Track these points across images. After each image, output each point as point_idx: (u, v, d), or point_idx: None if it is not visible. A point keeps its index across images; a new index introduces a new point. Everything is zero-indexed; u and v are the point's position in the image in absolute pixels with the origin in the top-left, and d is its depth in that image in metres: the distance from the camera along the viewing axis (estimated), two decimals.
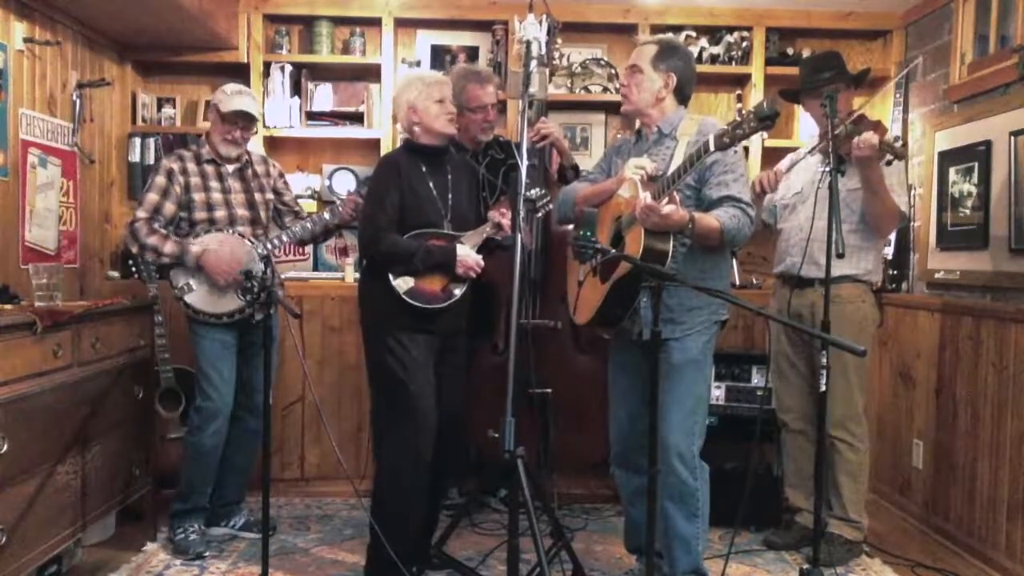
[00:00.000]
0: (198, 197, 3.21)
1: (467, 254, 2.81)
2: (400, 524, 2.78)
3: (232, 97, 3.23)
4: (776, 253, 3.42)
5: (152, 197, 3.17)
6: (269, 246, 3.25)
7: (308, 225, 3.30)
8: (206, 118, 3.33)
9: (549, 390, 3.31)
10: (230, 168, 3.29)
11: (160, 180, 3.19)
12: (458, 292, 2.84)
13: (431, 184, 2.87)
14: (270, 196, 3.39)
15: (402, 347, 2.78)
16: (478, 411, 3.22)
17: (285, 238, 3.30)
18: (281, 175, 3.50)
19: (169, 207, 3.19)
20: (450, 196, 2.90)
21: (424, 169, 2.87)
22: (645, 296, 2.59)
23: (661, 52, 2.69)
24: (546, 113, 3.54)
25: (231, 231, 3.22)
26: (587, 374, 3.44)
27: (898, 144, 2.79)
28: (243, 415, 3.33)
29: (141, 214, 3.16)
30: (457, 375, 2.96)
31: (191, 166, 3.24)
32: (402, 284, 2.77)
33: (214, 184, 3.25)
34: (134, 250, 3.18)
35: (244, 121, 3.25)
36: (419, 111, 2.84)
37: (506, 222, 2.89)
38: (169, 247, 3.13)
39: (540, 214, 2.99)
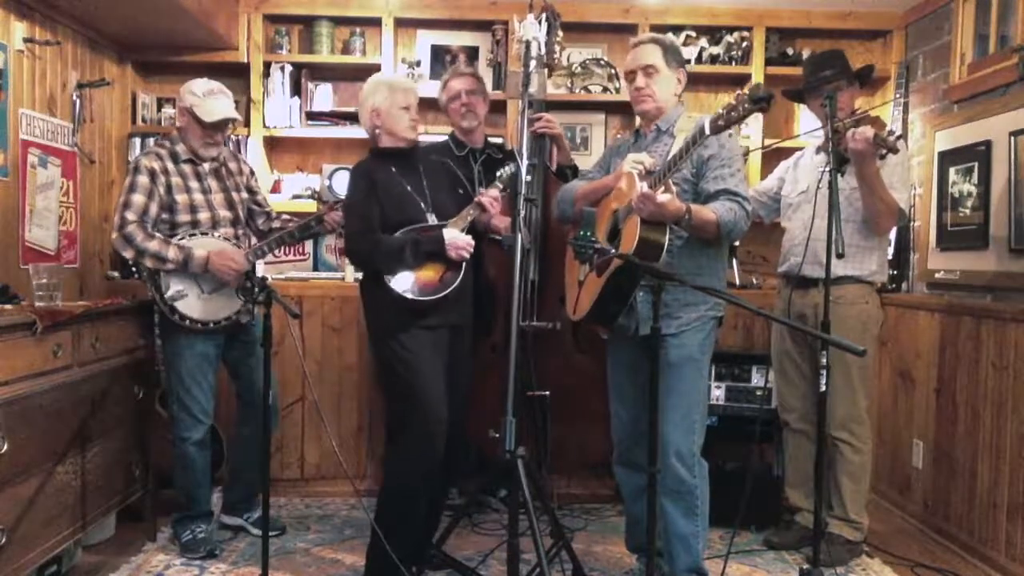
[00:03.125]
0: (181, 199, 3.11)
1: (455, 236, 2.81)
2: (404, 525, 2.78)
3: (208, 101, 3.11)
4: (781, 252, 3.42)
5: (139, 198, 3.04)
6: (260, 253, 3.22)
7: (297, 233, 3.27)
8: (179, 119, 3.19)
9: (547, 392, 3.30)
10: (207, 167, 3.22)
11: (144, 180, 3.06)
12: (456, 278, 2.83)
13: (405, 183, 2.88)
14: (244, 195, 3.34)
15: (405, 348, 2.77)
16: (476, 411, 3.22)
17: (267, 249, 3.26)
18: (252, 173, 3.43)
19: (154, 208, 3.07)
20: (427, 189, 2.91)
21: (395, 170, 2.88)
22: (642, 292, 2.60)
23: (667, 51, 2.72)
24: (545, 110, 3.55)
25: (215, 234, 3.16)
26: (585, 375, 3.43)
27: (892, 138, 2.79)
28: (247, 415, 3.33)
29: (131, 216, 3.02)
30: (463, 368, 2.95)
31: (170, 165, 3.13)
32: (399, 284, 2.77)
33: (194, 184, 3.16)
34: (128, 255, 3.04)
35: (226, 126, 3.20)
36: (382, 114, 2.85)
37: (485, 200, 2.89)
38: (172, 252, 3.02)
39: (529, 176, 2.96)
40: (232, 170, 3.32)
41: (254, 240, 3.39)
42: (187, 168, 3.17)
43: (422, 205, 2.87)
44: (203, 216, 3.16)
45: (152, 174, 3.08)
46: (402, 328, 2.79)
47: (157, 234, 3.06)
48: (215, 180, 3.23)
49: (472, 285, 2.96)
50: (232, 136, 4.09)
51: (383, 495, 2.88)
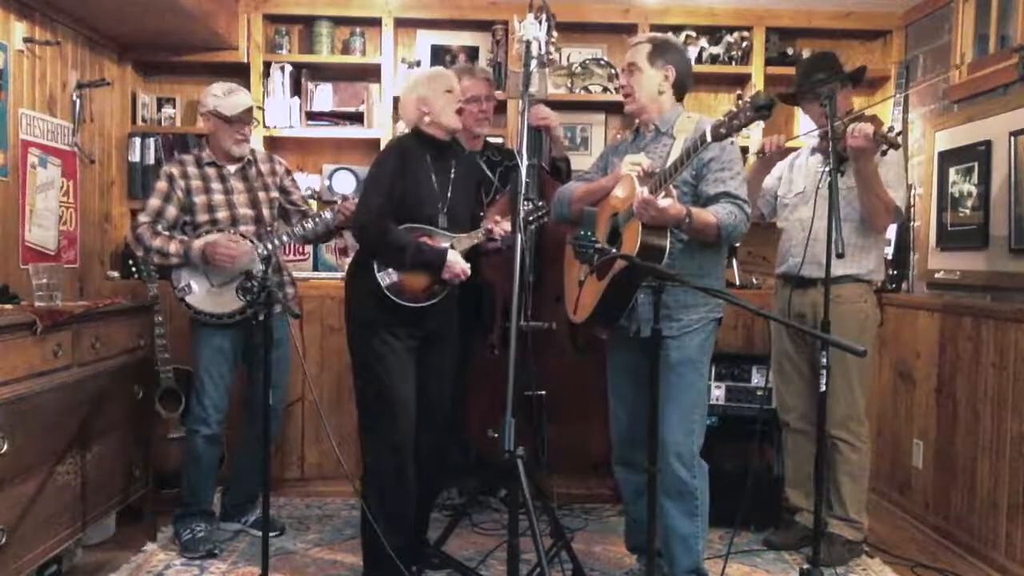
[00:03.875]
0: (199, 200, 3.21)
1: (456, 261, 2.81)
2: (387, 519, 2.78)
3: (229, 98, 3.22)
4: (778, 253, 3.42)
5: (154, 202, 3.19)
6: (270, 246, 3.24)
7: (309, 225, 3.30)
8: (206, 125, 3.29)
9: (543, 392, 3.30)
10: (232, 168, 3.29)
11: (161, 185, 3.21)
12: (440, 292, 2.85)
13: (433, 176, 2.87)
14: (275, 195, 3.38)
15: (382, 341, 2.79)
16: (475, 412, 3.22)
17: (285, 238, 3.30)
18: (288, 173, 3.48)
19: (171, 211, 3.20)
20: (449, 190, 2.90)
21: (429, 160, 2.88)
22: (642, 294, 2.60)
23: (656, 48, 2.71)
24: None
25: (233, 231, 3.21)
26: (582, 374, 3.43)
27: (892, 134, 2.80)
28: (253, 416, 3.33)
29: (144, 218, 3.17)
30: (443, 371, 2.96)
31: (192, 169, 3.24)
32: (385, 277, 2.77)
33: (215, 186, 3.25)
34: (139, 254, 3.20)
35: (249, 117, 3.27)
36: (429, 102, 2.84)
37: (497, 229, 2.91)
38: (174, 246, 3.13)
39: (533, 226, 3.00)
40: (263, 171, 3.37)
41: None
42: (210, 171, 3.26)
43: (439, 204, 2.87)
44: (222, 215, 3.23)
45: (171, 179, 3.21)
46: (381, 322, 2.80)
47: (164, 232, 3.17)
48: (240, 181, 3.30)
49: (456, 297, 2.95)
50: None
51: (364, 490, 2.88)
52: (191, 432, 3.25)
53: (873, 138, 2.83)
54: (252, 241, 3.23)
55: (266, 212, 3.32)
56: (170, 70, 4.27)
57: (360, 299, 2.87)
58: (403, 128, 3.02)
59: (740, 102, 2.29)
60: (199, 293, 3.18)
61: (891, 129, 2.86)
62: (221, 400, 3.25)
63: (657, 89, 2.71)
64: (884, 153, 2.89)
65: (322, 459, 4.04)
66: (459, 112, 2.89)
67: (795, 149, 3.58)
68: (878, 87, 4.32)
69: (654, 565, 2.35)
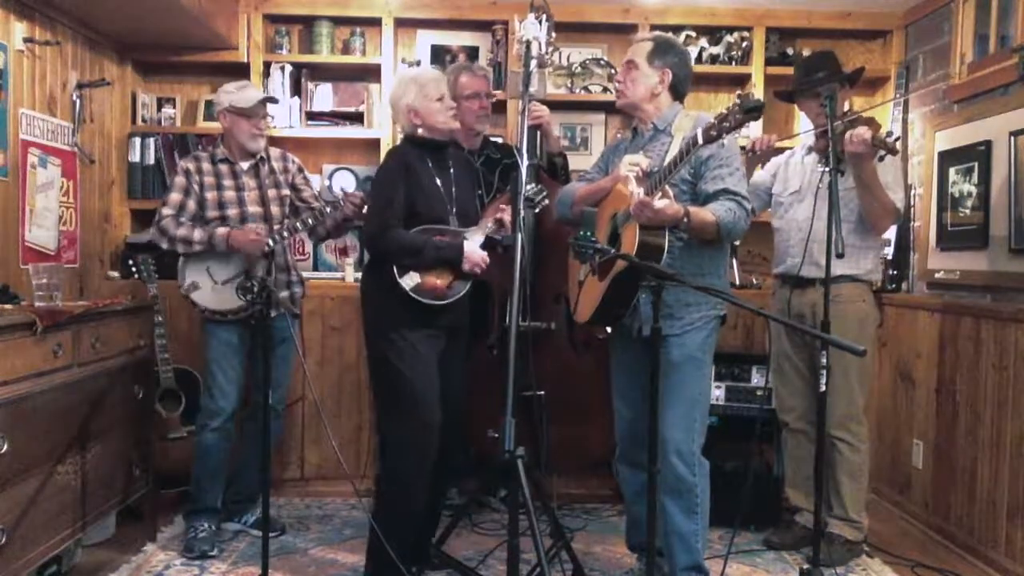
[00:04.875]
0: (210, 196, 3.26)
1: (474, 250, 2.82)
2: (402, 523, 2.78)
3: (243, 92, 3.27)
4: (776, 253, 3.42)
5: (175, 196, 3.25)
6: (272, 242, 3.24)
7: (310, 221, 3.31)
8: (223, 122, 3.30)
9: (542, 392, 3.30)
10: (245, 166, 3.32)
11: (180, 180, 3.27)
12: (461, 288, 2.86)
13: (436, 178, 2.88)
14: (286, 192, 3.40)
15: (406, 342, 2.78)
16: (474, 412, 3.21)
17: (287, 234, 3.30)
18: (300, 170, 3.49)
19: (191, 204, 3.26)
20: (454, 189, 2.91)
21: (430, 164, 2.88)
22: (644, 293, 2.60)
23: (657, 48, 2.71)
24: None
25: (242, 228, 3.23)
26: (582, 375, 3.43)
27: (890, 139, 2.80)
28: (255, 414, 3.34)
29: (167, 211, 3.22)
30: (458, 369, 2.96)
31: (206, 166, 3.29)
32: (408, 281, 2.77)
33: (227, 183, 3.28)
34: (164, 245, 3.23)
35: (264, 108, 3.31)
36: (421, 113, 2.85)
37: (507, 218, 2.90)
38: (198, 234, 3.19)
39: (537, 209, 3.00)
40: (275, 168, 3.40)
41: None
42: (223, 167, 3.31)
43: (447, 204, 2.88)
44: (232, 212, 3.27)
45: (187, 174, 3.28)
46: (403, 323, 2.79)
47: (187, 222, 3.23)
48: (252, 178, 3.33)
49: (471, 290, 2.96)
50: None
51: (379, 493, 2.89)
52: (200, 427, 3.27)
53: (872, 143, 2.83)
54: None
55: (275, 210, 3.33)
56: (170, 70, 4.28)
57: (379, 300, 2.87)
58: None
59: (731, 104, 2.29)
60: (204, 290, 3.21)
61: (890, 134, 2.86)
62: (232, 395, 3.27)
63: (651, 90, 2.71)
64: (882, 159, 2.89)
65: (322, 459, 4.04)
66: (454, 116, 2.88)
67: (785, 149, 3.58)
68: (878, 87, 4.32)
69: (654, 565, 2.35)
